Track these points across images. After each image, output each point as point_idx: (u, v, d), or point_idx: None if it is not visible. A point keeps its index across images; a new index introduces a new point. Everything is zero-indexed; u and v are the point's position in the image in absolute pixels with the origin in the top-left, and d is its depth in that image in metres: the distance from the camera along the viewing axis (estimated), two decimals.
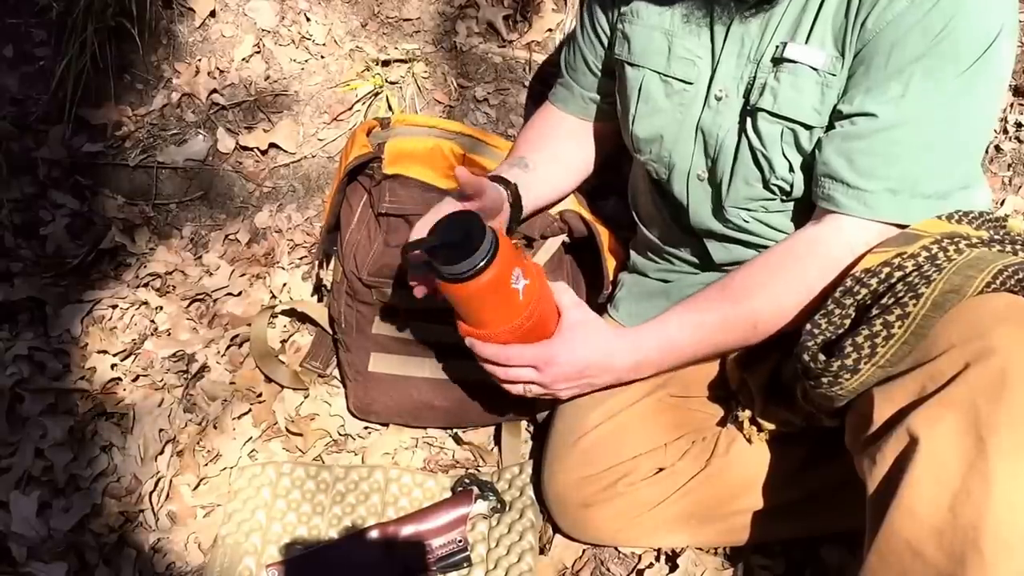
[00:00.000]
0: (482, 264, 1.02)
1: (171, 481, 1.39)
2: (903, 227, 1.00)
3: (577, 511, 1.23)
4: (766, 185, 1.12)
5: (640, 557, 1.25)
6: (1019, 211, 1.60)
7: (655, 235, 1.32)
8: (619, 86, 1.27)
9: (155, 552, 1.31)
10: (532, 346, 1.11)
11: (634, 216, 1.39)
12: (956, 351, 0.83)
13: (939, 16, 0.95)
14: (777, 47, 1.07)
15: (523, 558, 1.23)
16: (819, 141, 1.05)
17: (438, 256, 1.04)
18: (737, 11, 1.09)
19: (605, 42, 1.30)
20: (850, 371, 0.91)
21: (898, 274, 0.93)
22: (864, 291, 0.94)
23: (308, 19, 1.87)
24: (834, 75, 1.04)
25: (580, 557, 1.26)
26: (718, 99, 1.14)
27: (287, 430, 1.46)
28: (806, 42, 1.05)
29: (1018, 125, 1.68)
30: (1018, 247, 0.98)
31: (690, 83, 1.16)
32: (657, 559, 1.23)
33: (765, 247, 1.15)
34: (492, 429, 1.45)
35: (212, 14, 1.86)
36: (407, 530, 1.27)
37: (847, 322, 0.95)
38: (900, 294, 0.90)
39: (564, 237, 1.38)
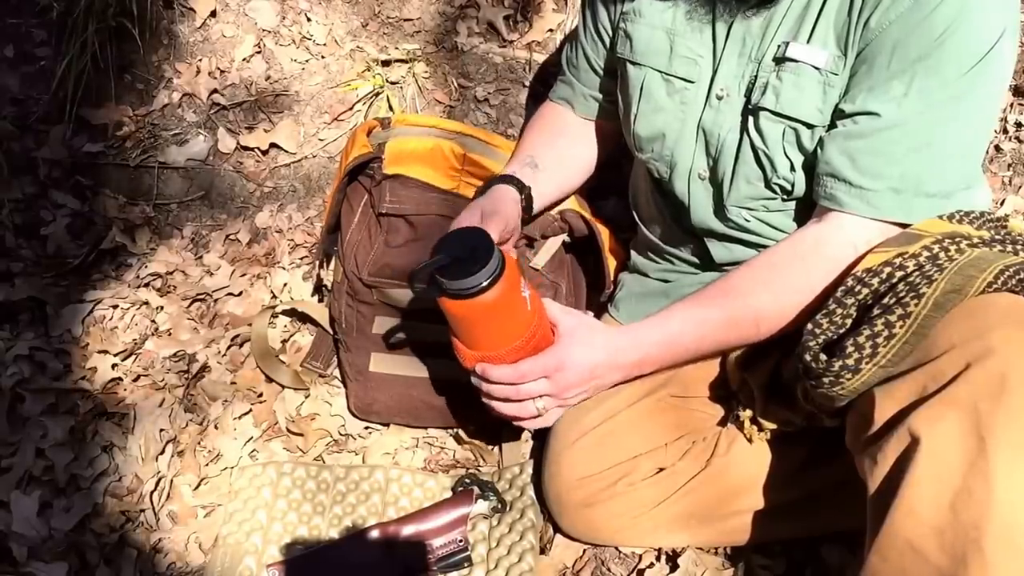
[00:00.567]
0: (497, 272, 0.99)
1: (172, 481, 1.39)
2: (905, 226, 1.00)
3: (577, 511, 1.23)
4: (768, 184, 1.12)
5: (641, 557, 1.25)
6: (1019, 211, 1.60)
7: (656, 235, 1.32)
8: (621, 85, 1.27)
9: (156, 552, 1.31)
10: (540, 356, 1.09)
11: (634, 216, 1.39)
12: (957, 351, 0.83)
13: (943, 16, 0.95)
14: (779, 46, 1.07)
15: (524, 558, 1.23)
16: (821, 140, 1.05)
17: (450, 274, 0.99)
18: (739, 10, 1.09)
19: (607, 41, 1.30)
20: (851, 371, 0.91)
21: (899, 274, 0.93)
22: (865, 290, 0.94)
23: (309, 19, 1.88)
24: (836, 74, 1.04)
25: (581, 557, 1.26)
26: (719, 98, 1.14)
27: (288, 430, 1.46)
28: (808, 41, 1.05)
29: (1018, 125, 1.68)
30: (1019, 247, 0.98)
31: (692, 82, 1.16)
32: (658, 559, 1.23)
33: (766, 247, 1.15)
34: (492, 429, 1.45)
35: (213, 14, 1.87)
36: (408, 530, 1.27)
37: (848, 322, 0.95)
38: (902, 294, 0.90)
39: (565, 237, 1.38)
